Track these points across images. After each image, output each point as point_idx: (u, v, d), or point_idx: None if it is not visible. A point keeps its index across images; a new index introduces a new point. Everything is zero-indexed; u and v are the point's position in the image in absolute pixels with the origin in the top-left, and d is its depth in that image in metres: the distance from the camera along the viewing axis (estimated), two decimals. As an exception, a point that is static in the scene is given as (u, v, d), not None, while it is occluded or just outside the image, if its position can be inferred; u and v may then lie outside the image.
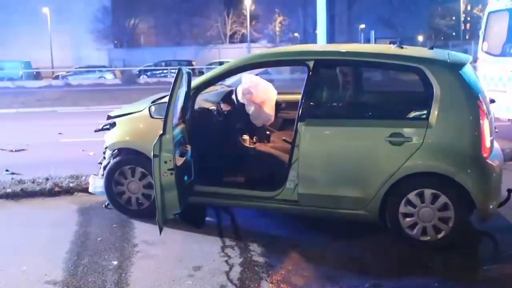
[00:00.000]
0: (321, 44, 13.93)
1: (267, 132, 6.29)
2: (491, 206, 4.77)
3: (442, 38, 61.58)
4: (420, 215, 4.77)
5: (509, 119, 10.07)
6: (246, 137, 5.90)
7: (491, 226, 5.20)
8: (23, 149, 10.14)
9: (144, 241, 5.06)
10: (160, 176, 4.64)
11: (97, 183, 5.87)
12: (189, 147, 5.17)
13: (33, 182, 6.89)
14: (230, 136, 5.74)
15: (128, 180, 5.64)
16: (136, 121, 5.72)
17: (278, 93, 6.41)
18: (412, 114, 4.97)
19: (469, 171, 4.68)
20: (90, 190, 6.07)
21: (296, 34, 57.02)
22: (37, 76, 42.26)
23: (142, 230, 5.34)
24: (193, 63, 43.05)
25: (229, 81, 6.41)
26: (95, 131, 6.27)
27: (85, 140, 10.06)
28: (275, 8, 56.40)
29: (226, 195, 5.40)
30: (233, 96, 6.16)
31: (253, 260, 4.63)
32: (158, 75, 40.57)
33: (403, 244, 4.86)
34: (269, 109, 6.09)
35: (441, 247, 4.76)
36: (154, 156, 4.60)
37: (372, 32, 41.48)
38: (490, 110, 5.02)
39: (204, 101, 5.82)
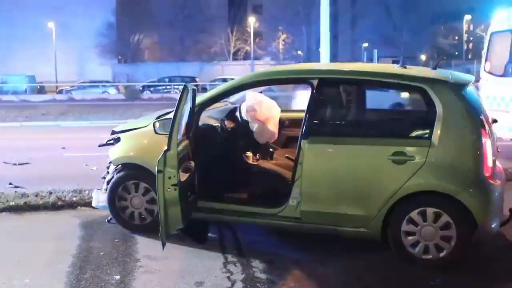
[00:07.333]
0: (324, 62, 13.98)
1: (271, 149, 6.31)
2: (493, 225, 4.78)
3: (445, 57, 61.74)
4: (422, 234, 4.78)
5: (511, 139, 10.09)
6: (249, 154, 5.93)
7: (493, 245, 5.20)
8: (26, 163, 10.18)
9: (146, 256, 5.06)
10: (164, 192, 4.65)
11: (100, 198, 5.90)
12: (193, 163, 5.20)
13: (36, 195, 6.92)
14: (233, 153, 5.76)
15: (131, 195, 5.67)
16: (140, 137, 5.77)
17: (282, 111, 6.45)
18: (415, 133, 5.00)
19: (471, 190, 4.70)
20: (93, 204, 6.10)
21: (299, 52, 57.29)
22: (41, 90, 42.51)
23: (145, 245, 5.35)
24: (197, 79, 43.25)
25: (233, 98, 6.46)
26: (99, 145, 6.29)
27: (88, 154, 10.08)
28: (279, 26, 56.72)
29: (229, 211, 5.41)
30: (237, 113, 6.20)
31: (255, 276, 4.63)
32: (161, 91, 40.69)
33: (405, 262, 4.86)
34: (273, 127, 6.12)
35: (443, 266, 4.76)
36: (159, 171, 4.62)
37: (375, 51, 41.66)
38: (493, 130, 5.06)
39: (208, 117, 5.86)
